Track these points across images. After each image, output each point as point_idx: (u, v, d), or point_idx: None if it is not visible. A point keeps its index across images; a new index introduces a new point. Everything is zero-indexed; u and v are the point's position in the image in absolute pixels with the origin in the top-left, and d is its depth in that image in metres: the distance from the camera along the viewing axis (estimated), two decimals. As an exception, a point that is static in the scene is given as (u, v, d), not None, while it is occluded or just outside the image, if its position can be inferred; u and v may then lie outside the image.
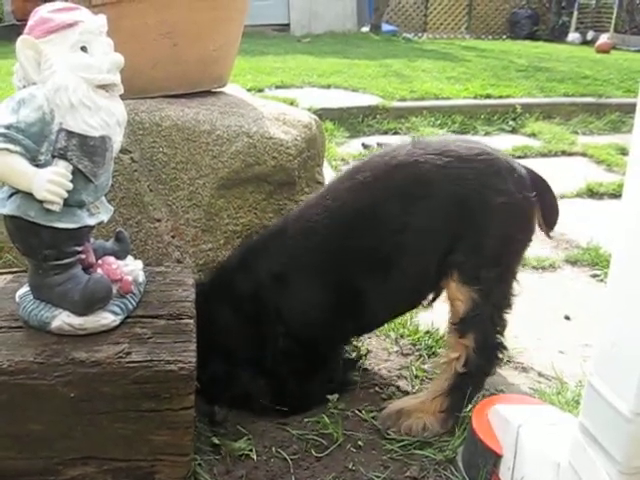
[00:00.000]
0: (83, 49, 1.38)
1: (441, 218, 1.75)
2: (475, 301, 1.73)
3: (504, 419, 1.52)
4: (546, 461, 1.37)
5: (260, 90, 6.35)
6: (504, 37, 15.08)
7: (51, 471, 1.45)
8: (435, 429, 1.77)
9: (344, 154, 4.90)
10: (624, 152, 5.17)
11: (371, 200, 1.78)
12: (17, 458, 1.43)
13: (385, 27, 13.84)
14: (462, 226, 1.74)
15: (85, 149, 1.36)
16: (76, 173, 1.36)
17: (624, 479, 1.14)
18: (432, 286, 1.85)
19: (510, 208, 1.74)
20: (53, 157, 1.34)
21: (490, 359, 1.79)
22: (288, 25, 13.61)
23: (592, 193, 4.17)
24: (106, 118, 1.39)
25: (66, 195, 1.34)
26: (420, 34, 14.87)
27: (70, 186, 1.34)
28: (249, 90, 5.90)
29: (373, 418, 1.83)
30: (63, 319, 1.44)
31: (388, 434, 1.78)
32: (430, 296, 1.88)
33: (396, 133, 5.72)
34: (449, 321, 1.79)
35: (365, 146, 5.13)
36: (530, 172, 1.84)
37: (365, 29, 13.95)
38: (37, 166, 1.33)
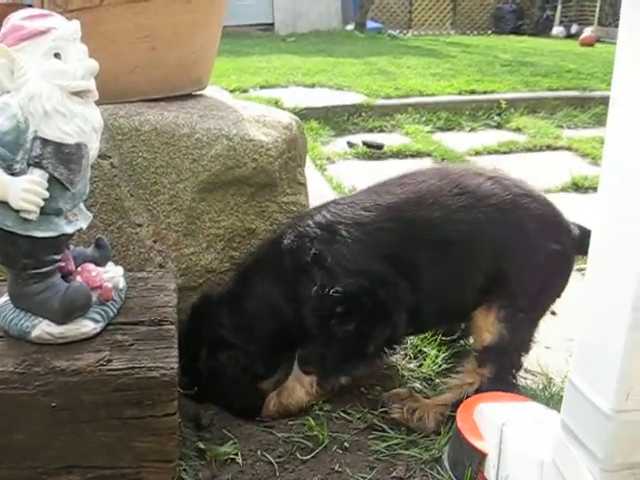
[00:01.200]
0: (57, 56, 1.37)
1: (496, 250, 1.81)
2: (503, 336, 1.78)
3: (488, 418, 1.52)
4: (530, 459, 1.37)
5: (245, 90, 6.35)
6: (489, 32, 15.09)
7: (35, 481, 1.44)
8: (430, 426, 1.79)
9: (329, 153, 4.90)
10: (609, 145, 5.17)
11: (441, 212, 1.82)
12: (0, 468, 1.42)
13: (370, 24, 13.83)
14: (514, 264, 1.79)
15: (61, 157, 1.35)
16: (52, 181, 1.35)
17: (606, 476, 1.14)
18: (465, 310, 1.88)
19: (562, 259, 1.82)
20: (29, 165, 1.33)
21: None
22: (272, 25, 13.60)
23: (577, 187, 4.19)
24: (81, 125, 1.38)
25: (42, 204, 1.33)
26: (405, 31, 14.86)
27: (46, 194, 1.33)
28: (233, 91, 5.91)
29: (359, 419, 1.83)
30: (43, 328, 1.43)
31: (392, 409, 1.82)
32: (458, 323, 1.89)
33: (381, 131, 5.73)
34: (472, 348, 1.84)
35: (350, 144, 5.13)
36: (580, 227, 1.94)
37: (350, 27, 13.94)
38: (12, 175, 1.32)
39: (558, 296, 1.90)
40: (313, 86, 6.89)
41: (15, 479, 1.43)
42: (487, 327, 1.80)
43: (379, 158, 4.89)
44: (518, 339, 1.81)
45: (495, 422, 1.48)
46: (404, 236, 1.82)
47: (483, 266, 1.82)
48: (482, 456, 1.51)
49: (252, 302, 1.92)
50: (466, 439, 1.54)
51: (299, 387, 1.85)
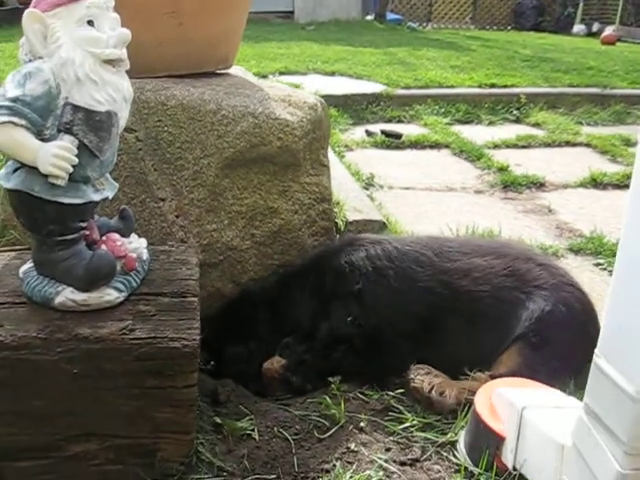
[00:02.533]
0: (90, 23, 1.36)
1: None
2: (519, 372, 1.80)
3: (508, 402, 1.51)
4: (550, 443, 1.36)
5: (264, 76, 6.33)
6: (509, 28, 15.04)
7: (53, 447, 1.44)
8: (450, 402, 1.78)
9: (348, 141, 4.90)
10: (629, 143, 5.16)
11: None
12: (19, 434, 1.42)
13: (390, 16, 13.80)
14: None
15: (91, 124, 1.35)
16: (81, 148, 1.35)
17: (629, 460, 1.14)
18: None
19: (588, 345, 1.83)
20: (59, 131, 1.33)
21: None
22: (292, 12, 13.57)
23: (596, 183, 4.16)
24: (112, 93, 1.38)
25: (71, 170, 1.33)
26: (425, 24, 14.83)
27: (75, 160, 1.33)
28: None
29: (376, 400, 1.83)
30: (67, 295, 1.43)
31: (412, 380, 1.83)
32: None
33: (400, 121, 5.72)
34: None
35: (369, 133, 5.12)
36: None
37: (370, 18, 13.90)
38: (42, 140, 1.32)
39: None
40: (333, 74, 6.87)
41: (33, 445, 1.43)
42: (507, 364, 1.84)
43: (397, 147, 4.88)
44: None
45: (515, 406, 1.47)
46: (443, 301, 1.94)
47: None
48: (500, 440, 1.50)
49: (288, 308, 2.08)
50: (484, 422, 1.54)
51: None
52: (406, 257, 2.00)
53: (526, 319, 1.85)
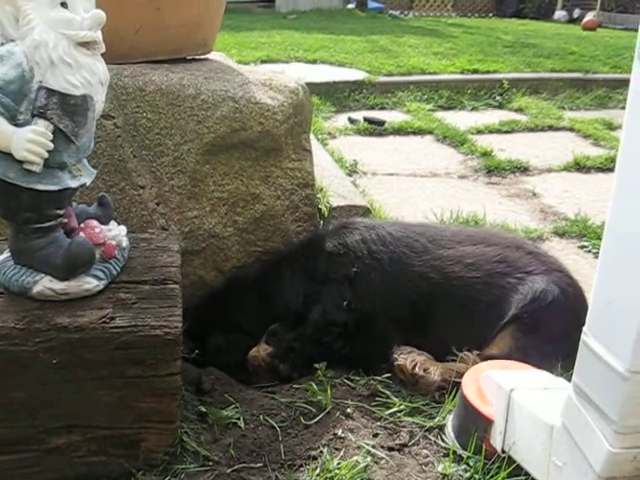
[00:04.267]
0: (63, 5, 1.33)
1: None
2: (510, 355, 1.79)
3: (496, 384, 1.50)
4: (539, 424, 1.35)
5: (246, 64, 6.28)
6: (490, 15, 15.02)
7: (35, 440, 1.41)
8: (434, 379, 1.78)
9: (331, 128, 4.88)
10: (611, 127, 5.18)
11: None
12: (0, 427, 1.39)
13: (371, 4, 13.76)
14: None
15: (66, 108, 1.32)
16: (57, 133, 1.31)
17: (619, 439, 1.13)
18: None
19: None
20: (33, 116, 1.30)
21: None
22: (273, 2, 13.51)
23: (579, 167, 4.17)
24: (88, 76, 1.34)
25: (46, 155, 1.30)
26: (406, 12, 14.78)
27: (50, 146, 1.30)
28: (234, 64, 5.85)
29: (362, 386, 1.81)
30: (45, 284, 1.40)
31: (395, 359, 1.84)
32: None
33: (382, 108, 5.70)
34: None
35: (352, 120, 5.10)
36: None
37: (351, 6, 13.86)
38: (16, 125, 1.28)
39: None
40: (315, 62, 6.85)
41: (14, 438, 1.41)
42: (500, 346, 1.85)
43: (380, 134, 4.86)
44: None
45: (503, 388, 1.46)
46: (436, 287, 1.94)
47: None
48: (488, 422, 1.49)
49: (275, 293, 2.04)
50: (472, 405, 1.52)
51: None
52: (400, 242, 2.00)
53: (518, 303, 1.86)
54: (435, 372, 1.79)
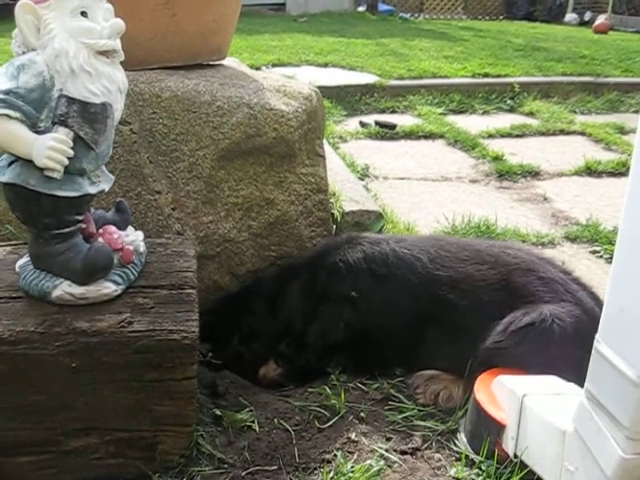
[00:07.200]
0: (83, 14, 1.35)
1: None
2: None
3: (508, 390, 1.51)
4: (551, 430, 1.36)
5: (257, 68, 6.29)
6: (501, 18, 15.00)
7: (53, 442, 1.44)
8: (460, 396, 1.77)
9: (342, 132, 4.89)
10: (622, 131, 5.16)
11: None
12: (19, 429, 1.42)
13: (381, 7, 13.77)
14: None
15: (86, 116, 1.34)
16: (77, 140, 1.34)
17: (631, 445, 1.14)
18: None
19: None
20: (53, 124, 1.32)
21: None
22: (284, 5, 13.53)
23: (591, 171, 4.17)
24: (107, 84, 1.37)
25: (67, 162, 1.32)
26: (416, 14, 14.78)
27: (71, 153, 1.32)
28: (246, 68, 5.87)
29: (375, 390, 1.83)
30: (64, 289, 1.42)
31: (416, 393, 1.82)
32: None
33: (394, 112, 5.71)
34: None
35: (363, 124, 5.12)
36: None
37: (361, 9, 13.87)
38: (37, 133, 1.31)
39: None
40: (326, 65, 6.86)
41: (33, 439, 1.43)
42: None
43: (392, 138, 4.88)
44: None
45: (515, 393, 1.47)
46: (428, 313, 1.89)
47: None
48: (500, 427, 1.50)
49: (283, 304, 2.07)
50: (485, 410, 1.54)
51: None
52: (401, 262, 1.95)
53: (498, 335, 1.73)
54: (457, 395, 1.78)
